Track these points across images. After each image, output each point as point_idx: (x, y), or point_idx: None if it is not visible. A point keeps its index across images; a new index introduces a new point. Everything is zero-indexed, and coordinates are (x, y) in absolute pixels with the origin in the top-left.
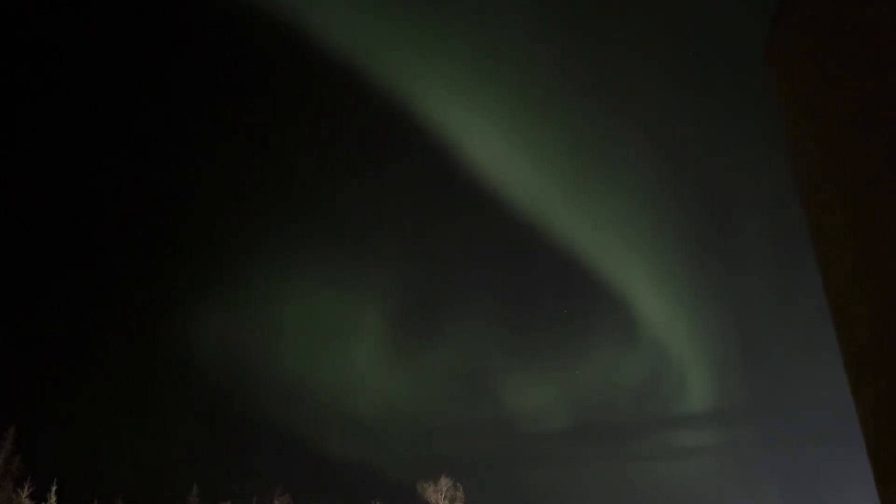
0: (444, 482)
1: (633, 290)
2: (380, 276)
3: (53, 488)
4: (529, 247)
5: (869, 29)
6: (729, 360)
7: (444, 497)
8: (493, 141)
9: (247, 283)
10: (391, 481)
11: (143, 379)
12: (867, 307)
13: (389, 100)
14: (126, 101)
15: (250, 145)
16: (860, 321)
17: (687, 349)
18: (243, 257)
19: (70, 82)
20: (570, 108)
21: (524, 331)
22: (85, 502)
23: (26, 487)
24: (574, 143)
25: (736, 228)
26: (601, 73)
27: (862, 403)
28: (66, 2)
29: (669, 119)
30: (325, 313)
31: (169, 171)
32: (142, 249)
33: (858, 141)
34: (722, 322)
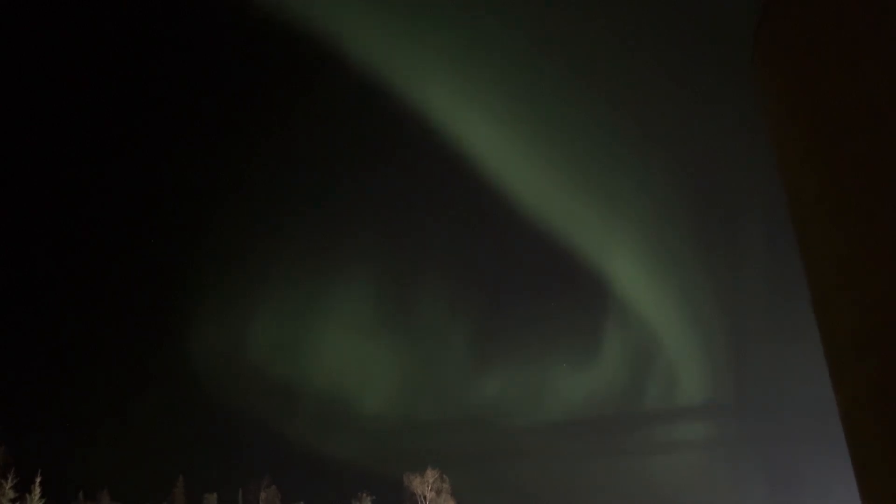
0: (431, 474)
1: (622, 285)
2: (365, 272)
3: (38, 479)
4: (517, 239)
5: (852, 32)
6: (718, 355)
7: (431, 488)
8: (489, 138)
9: (234, 280)
10: (378, 474)
11: (128, 373)
12: (848, 304)
13: (380, 92)
14: (126, 102)
15: (247, 146)
16: (841, 318)
17: (676, 344)
18: (233, 255)
19: (70, 83)
20: (564, 103)
21: (512, 324)
22: (70, 493)
23: (10, 479)
24: (570, 138)
25: (728, 224)
26: (596, 69)
27: (841, 399)
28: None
29: (666, 116)
30: (311, 308)
31: (168, 171)
32: (131, 246)
33: (840, 140)
34: (712, 317)
